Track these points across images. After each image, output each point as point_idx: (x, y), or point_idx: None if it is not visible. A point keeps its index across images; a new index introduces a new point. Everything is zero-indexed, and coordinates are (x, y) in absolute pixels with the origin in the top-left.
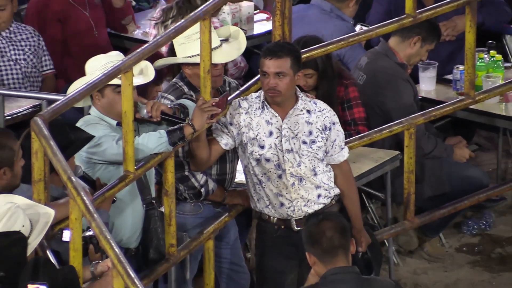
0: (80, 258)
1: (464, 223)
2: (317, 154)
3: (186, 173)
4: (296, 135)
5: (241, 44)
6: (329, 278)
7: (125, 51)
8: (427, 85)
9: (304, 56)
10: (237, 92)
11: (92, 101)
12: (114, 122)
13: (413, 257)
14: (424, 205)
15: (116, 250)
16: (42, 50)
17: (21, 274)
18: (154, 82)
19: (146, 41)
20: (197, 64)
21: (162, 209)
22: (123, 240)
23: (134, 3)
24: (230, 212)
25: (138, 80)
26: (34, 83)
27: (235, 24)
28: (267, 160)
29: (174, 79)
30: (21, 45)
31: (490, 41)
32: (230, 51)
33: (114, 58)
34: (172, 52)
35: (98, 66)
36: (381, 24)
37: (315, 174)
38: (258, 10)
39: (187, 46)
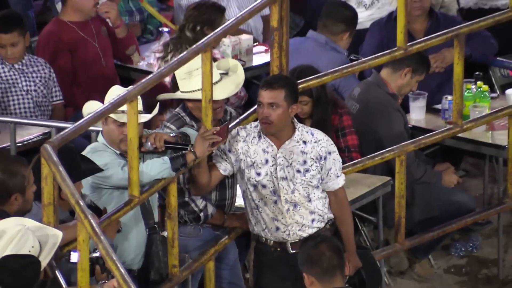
0: (87, 278)
1: (452, 246)
2: (311, 182)
3: (187, 199)
4: (290, 164)
5: (240, 78)
6: None
7: (130, 81)
8: (417, 114)
9: (300, 86)
10: (237, 120)
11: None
12: (117, 152)
13: (403, 277)
14: (414, 228)
15: (122, 270)
16: (53, 81)
17: None
18: (158, 112)
19: (151, 72)
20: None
21: (164, 233)
22: (127, 262)
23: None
24: (230, 235)
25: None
26: (44, 112)
27: (235, 56)
28: (264, 186)
29: (177, 109)
30: (33, 77)
31: (477, 73)
32: (229, 86)
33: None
34: (175, 85)
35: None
36: (373, 56)
37: (310, 201)
38: (257, 43)
39: (189, 81)
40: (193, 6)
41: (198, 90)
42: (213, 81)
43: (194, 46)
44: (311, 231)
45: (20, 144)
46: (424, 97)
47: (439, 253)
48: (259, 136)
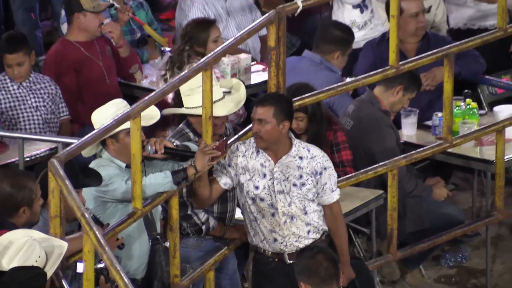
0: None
1: (442, 256)
2: (307, 196)
3: (189, 212)
4: (287, 178)
5: (241, 96)
6: None
7: (133, 99)
8: (408, 130)
9: (297, 103)
10: (236, 136)
11: (105, 146)
12: (123, 165)
13: (395, 287)
14: (405, 239)
15: (126, 280)
16: (59, 97)
17: None
18: (161, 128)
19: (153, 90)
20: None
21: (167, 244)
22: (130, 272)
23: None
24: (229, 246)
25: (147, 122)
26: (53, 128)
27: (234, 75)
28: (261, 199)
29: (181, 125)
30: (40, 93)
31: (466, 90)
32: (231, 104)
33: (120, 105)
34: (178, 101)
35: (106, 116)
36: (366, 74)
37: (306, 213)
38: (255, 62)
39: (192, 98)
40: (183, 27)
41: (201, 106)
42: (216, 99)
43: (195, 65)
44: (307, 242)
45: (28, 159)
46: (415, 113)
47: (430, 264)
48: (257, 151)
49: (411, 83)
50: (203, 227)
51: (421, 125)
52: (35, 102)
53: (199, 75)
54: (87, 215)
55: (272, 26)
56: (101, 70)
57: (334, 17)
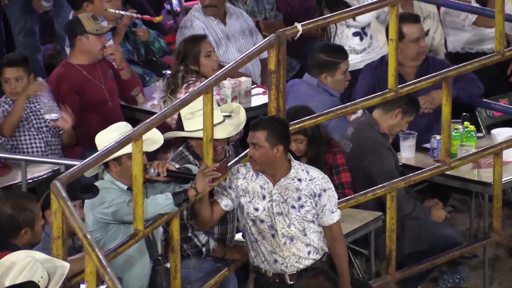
0: None
1: (440, 277)
2: (306, 217)
3: (190, 234)
4: (285, 200)
5: (241, 119)
6: None
7: (135, 121)
8: (407, 153)
9: (297, 126)
10: (236, 158)
11: (107, 169)
12: (125, 187)
13: None
14: (404, 260)
15: None
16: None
17: None
18: (162, 151)
19: (155, 112)
20: (201, 138)
21: (168, 265)
22: None
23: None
24: (230, 267)
25: (148, 147)
26: (55, 150)
27: (234, 98)
28: (261, 221)
29: (181, 148)
30: (42, 115)
31: (464, 113)
32: (231, 127)
33: (123, 129)
34: (180, 124)
35: (110, 140)
36: (366, 97)
37: (305, 234)
38: (255, 85)
39: (193, 121)
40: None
41: (202, 129)
42: (216, 122)
43: (196, 88)
44: (307, 262)
45: (30, 181)
46: (414, 136)
47: (428, 285)
48: (257, 173)
49: (409, 106)
50: (204, 249)
51: (419, 148)
52: (37, 123)
53: (200, 99)
54: (89, 236)
55: (272, 50)
56: (103, 93)
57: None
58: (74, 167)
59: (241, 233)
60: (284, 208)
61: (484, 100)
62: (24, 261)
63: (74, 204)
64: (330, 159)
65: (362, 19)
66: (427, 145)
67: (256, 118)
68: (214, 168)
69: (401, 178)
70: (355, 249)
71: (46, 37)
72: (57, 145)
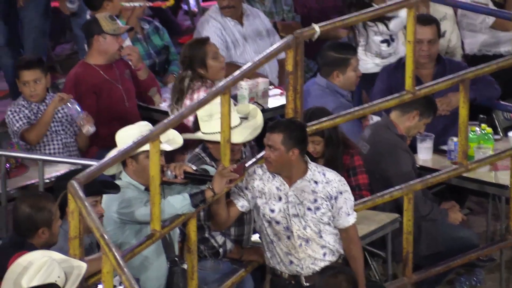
0: None
1: (456, 280)
2: (322, 219)
3: (206, 235)
4: (301, 202)
5: (258, 123)
6: None
7: (152, 122)
8: (424, 155)
9: (314, 127)
10: (253, 159)
11: (125, 167)
12: (142, 187)
13: None
14: (421, 262)
15: None
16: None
17: None
18: (180, 152)
19: None
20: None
21: (184, 266)
22: None
23: None
24: (247, 268)
25: (167, 146)
26: (72, 152)
27: (252, 99)
28: (277, 222)
29: (197, 150)
30: (58, 117)
31: (481, 116)
32: (248, 131)
33: (143, 128)
34: (196, 124)
35: (129, 136)
36: (383, 99)
37: (321, 236)
38: (272, 86)
39: (210, 124)
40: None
41: (218, 132)
42: (233, 125)
43: (214, 88)
44: (323, 264)
45: (47, 181)
46: (431, 138)
47: (444, 287)
48: (273, 175)
49: (427, 108)
50: (220, 250)
51: (436, 150)
52: (54, 126)
53: (217, 101)
54: (106, 236)
55: (290, 51)
56: (120, 93)
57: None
58: (92, 167)
59: (257, 235)
60: (300, 210)
61: (501, 102)
62: (41, 261)
63: (96, 200)
64: (347, 160)
65: (395, 27)
66: (444, 147)
67: (273, 119)
68: (232, 169)
69: (418, 180)
70: (372, 251)
71: (62, 38)
72: (74, 146)
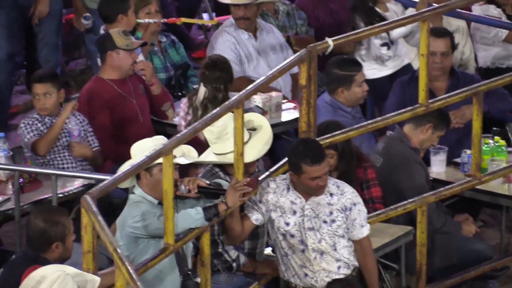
0: None
1: None
2: (337, 232)
3: (220, 250)
4: (317, 215)
5: (267, 134)
6: None
7: (166, 136)
8: (437, 167)
9: (327, 140)
10: (267, 173)
11: (139, 180)
12: (156, 201)
13: None
14: (434, 275)
15: None
16: (88, 131)
17: None
18: (194, 166)
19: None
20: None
21: (198, 279)
22: None
23: None
24: (260, 281)
25: (183, 160)
26: (85, 166)
27: (265, 112)
28: (292, 236)
29: (210, 165)
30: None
31: (494, 128)
32: (259, 145)
33: (159, 141)
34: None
35: (145, 148)
36: (397, 112)
37: (335, 249)
38: (286, 100)
39: (220, 145)
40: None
41: (231, 152)
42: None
43: (227, 102)
44: (337, 277)
45: (61, 195)
46: (444, 151)
47: None
48: (288, 189)
49: (440, 121)
50: (234, 264)
51: (450, 162)
52: (67, 141)
53: (224, 122)
54: (119, 250)
55: (303, 65)
56: (134, 108)
57: (356, 55)
58: (105, 182)
59: (270, 248)
60: (315, 223)
61: None
62: (54, 275)
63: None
64: (360, 173)
65: (397, 35)
66: (458, 160)
67: (287, 133)
68: (245, 183)
69: (431, 192)
70: (386, 263)
71: (76, 53)
72: (87, 161)
